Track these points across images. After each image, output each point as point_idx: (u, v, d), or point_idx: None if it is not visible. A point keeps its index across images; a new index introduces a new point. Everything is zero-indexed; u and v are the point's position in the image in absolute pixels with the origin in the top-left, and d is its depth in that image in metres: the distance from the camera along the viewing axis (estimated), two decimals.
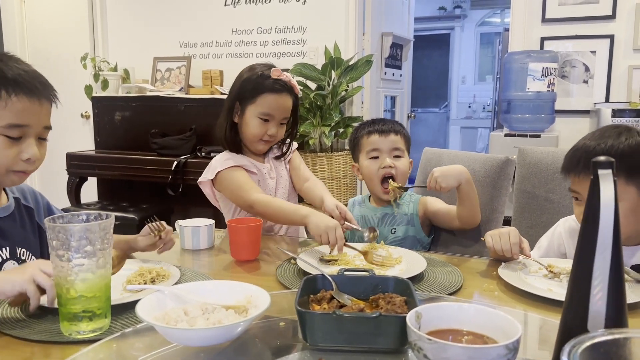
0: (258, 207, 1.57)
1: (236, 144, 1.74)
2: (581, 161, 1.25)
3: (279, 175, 1.78)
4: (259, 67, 1.70)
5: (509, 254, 1.26)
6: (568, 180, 1.32)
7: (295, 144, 1.87)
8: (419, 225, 1.67)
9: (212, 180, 1.70)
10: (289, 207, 1.55)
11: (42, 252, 1.24)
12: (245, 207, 1.63)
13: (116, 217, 0.94)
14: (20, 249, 1.17)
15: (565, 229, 1.43)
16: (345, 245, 1.37)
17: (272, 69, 1.66)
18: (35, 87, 1.05)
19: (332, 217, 1.46)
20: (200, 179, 1.73)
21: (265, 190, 1.68)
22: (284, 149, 1.81)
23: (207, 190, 1.74)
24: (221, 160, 1.69)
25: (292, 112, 1.73)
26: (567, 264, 1.24)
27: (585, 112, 3.20)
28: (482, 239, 1.33)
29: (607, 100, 3.15)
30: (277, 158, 1.80)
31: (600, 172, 0.67)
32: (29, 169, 1.10)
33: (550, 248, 1.43)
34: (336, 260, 1.31)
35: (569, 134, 3.14)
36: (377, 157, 1.66)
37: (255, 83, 1.66)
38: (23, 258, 1.18)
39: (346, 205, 1.67)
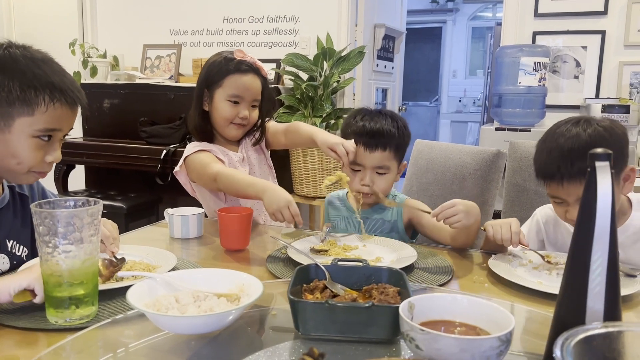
0: (221, 178, 1.52)
1: (207, 133, 1.72)
2: (561, 166, 1.21)
3: (252, 164, 1.77)
4: (224, 52, 1.71)
5: (509, 244, 1.26)
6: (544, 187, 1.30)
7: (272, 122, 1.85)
8: (403, 231, 1.55)
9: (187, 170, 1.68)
10: (247, 180, 1.50)
11: (33, 241, 1.21)
12: (210, 184, 1.59)
13: (104, 206, 0.92)
14: (11, 241, 1.15)
15: (542, 216, 1.47)
16: (330, 235, 1.41)
17: (235, 50, 1.67)
18: (76, 96, 1.09)
19: (336, 153, 1.45)
20: (175, 169, 1.71)
21: None
22: (258, 135, 1.78)
23: (182, 179, 1.72)
24: (190, 147, 1.68)
25: (263, 95, 1.72)
26: (563, 257, 1.24)
27: (575, 108, 3.21)
28: (482, 228, 1.32)
29: (597, 95, 3.17)
30: (254, 145, 1.79)
31: (598, 164, 0.67)
32: (48, 170, 1.12)
33: (530, 237, 1.45)
34: (327, 251, 1.31)
35: None
36: (359, 170, 1.51)
37: (220, 66, 1.66)
38: (13, 251, 1.16)
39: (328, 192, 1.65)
